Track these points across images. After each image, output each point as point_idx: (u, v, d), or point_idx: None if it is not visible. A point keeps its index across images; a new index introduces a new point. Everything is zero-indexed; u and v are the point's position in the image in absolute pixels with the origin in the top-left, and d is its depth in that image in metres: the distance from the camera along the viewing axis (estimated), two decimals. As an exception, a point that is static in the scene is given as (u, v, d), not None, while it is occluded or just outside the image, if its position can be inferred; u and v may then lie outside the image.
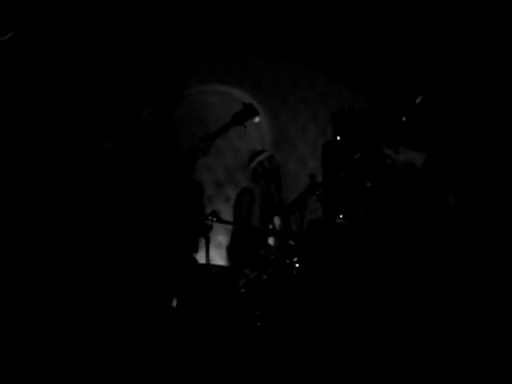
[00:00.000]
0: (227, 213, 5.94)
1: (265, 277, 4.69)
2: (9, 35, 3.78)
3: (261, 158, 5.55)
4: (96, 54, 4.98)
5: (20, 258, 3.89)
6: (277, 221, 5.46)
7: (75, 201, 4.13)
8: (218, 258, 5.88)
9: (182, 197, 3.97)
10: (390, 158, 4.31)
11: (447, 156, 4.28)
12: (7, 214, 3.92)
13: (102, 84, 4.93)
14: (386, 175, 4.48)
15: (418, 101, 5.00)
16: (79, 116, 4.64)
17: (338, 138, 5.91)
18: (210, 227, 4.57)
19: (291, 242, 5.17)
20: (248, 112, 4.15)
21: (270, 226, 5.40)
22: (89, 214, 3.93)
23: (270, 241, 5.42)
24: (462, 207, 4.05)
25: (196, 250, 4.41)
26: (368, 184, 4.73)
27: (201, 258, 4.70)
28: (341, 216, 4.91)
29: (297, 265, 4.76)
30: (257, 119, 4.20)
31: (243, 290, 4.66)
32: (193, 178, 4.18)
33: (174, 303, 4.28)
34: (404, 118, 4.72)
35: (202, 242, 4.64)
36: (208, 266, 4.62)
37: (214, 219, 4.54)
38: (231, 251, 5.39)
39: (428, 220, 4.09)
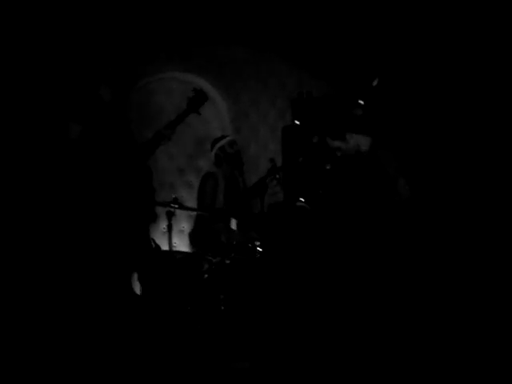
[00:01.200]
0: (190, 199, 5.97)
1: (228, 261, 4.75)
2: None
3: (222, 143, 5.59)
4: (54, 33, 4.92)
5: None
6: (239, 205, 5.51)
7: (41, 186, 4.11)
8: (181, 244, 5.92)
9: (131, 182, 3.95)
10: (339, 149, 4.35)
11: (395, 139, 4.35)
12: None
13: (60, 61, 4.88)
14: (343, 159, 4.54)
15: (374, 83, 5.08)
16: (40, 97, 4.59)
17: (297, 122, 5.97)
18: (172, 214, 4.60)
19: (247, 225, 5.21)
20: (200, 97, 4.18)
21: (233, 211, 5.45)
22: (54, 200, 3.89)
23: (233, 224, 5.46)
24: (412, 190, 4.13)
25: (147, 235, 4.39)
26: (327, 167, 4.78)
27: (164, 244, 4.74)
28: (301, 199, 4.97)
29: (259, 249, 4.83)
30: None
31: (207, 275, 4.71)
32: (144, 163, 4.17)
33: (138, 290, 4.30)
34: (361, 102, 4.79)
35: (165, 228, 4.68)
36: (171, 252, 4.66)
37: (176, 206, 4.57)
38: (194, 237, 5.42)
39: (382, 203, 4.16)
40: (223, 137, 5.76)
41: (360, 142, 4.28)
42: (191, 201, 5.84)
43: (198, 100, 4.20)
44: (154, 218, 4.39)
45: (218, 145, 5.58)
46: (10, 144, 4.31)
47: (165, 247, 4.66)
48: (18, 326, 3.84)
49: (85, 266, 3.72)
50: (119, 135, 3.96)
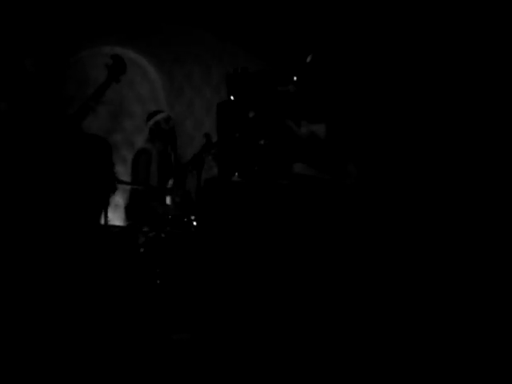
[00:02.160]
0: (124, 174, 5.94)
1: (163, 235, 4.78)
2: None
3: (157, 118, 5.60)
4: None
5: None
6: (171, 181, 5.52)
7: None
8: (116, 218, 5.89)
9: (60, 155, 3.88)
10: (291, 130, 4.42)
11: (347, 126, 4.44)
12: None
13: None
14: (280, 133, 4.60)
15: (308, 60, 5.14)
16: None
17: (232, 97, 5.98)
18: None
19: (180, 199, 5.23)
20: (118, 65, 4.13)
21: (168, 185, 5.46)
22: None
23: (168, 200, 5.48)
24: (361, 176, 4.23)
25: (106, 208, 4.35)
26: (261, 142, 4.84)
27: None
28: (236, 174, 5.01)
29: (194, 223, 4.87)
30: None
31: (142, 249, 4.73)
32: (97, 135, 4.12)
33: None
34: (295, 78, 4.85)
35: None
36: (107, 226, 4.65)
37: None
38: (129, 210, 5.42)
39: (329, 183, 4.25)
40: (158, 111, 5.76)
41: (315, 130, 4.36)
42: (126, 176, 5.81)
43: (117, 67, 4.14)
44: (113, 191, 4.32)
45: (153, 120, 5.59)
46: None
47: (100, 221, 4.65)
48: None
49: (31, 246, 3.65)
50: (45, 108, 3.89)
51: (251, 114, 4.70)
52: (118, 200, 5.99)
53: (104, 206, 4.28)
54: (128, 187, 5.48)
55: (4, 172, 3.55)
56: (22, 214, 3.62)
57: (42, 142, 3.70)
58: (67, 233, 3.76)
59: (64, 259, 3.75)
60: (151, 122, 5.59)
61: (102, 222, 4.61)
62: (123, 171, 6.03)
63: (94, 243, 4.13)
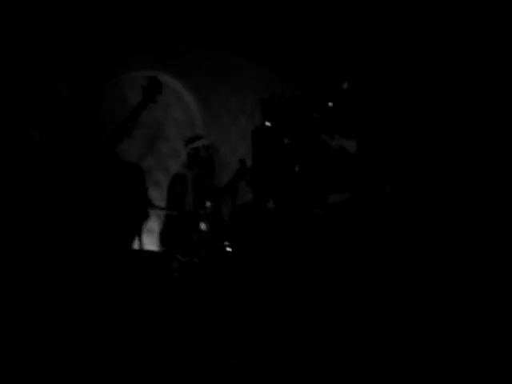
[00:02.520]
0: (158, 198, 5.96)
1: (196, 261, 4.77)
2: None
3: (197, 144, 5.58)
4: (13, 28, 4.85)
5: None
6: (209, 206, 5.51)
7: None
8: (150, 243, 5.91)
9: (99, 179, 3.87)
10: (324, 142, 4.42)
11: (380, 144, 4.41)
12: None
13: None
14: (316, 160, 4.59)
15: (344, 86, 5.13)
16: None
17: (268, 123, 5.99)
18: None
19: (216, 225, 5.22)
20: (154, 86, 4.13)
21: (202, 211, 5.45)
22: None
23: (202, 226, 5.47)
24: (397, 196, 4.20)
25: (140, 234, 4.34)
26: (296, 168, 4.82)
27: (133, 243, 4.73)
28: (271, 200, 5.00)
29: (228, 249, 4.85)
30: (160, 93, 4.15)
31: (176, 274, 4.73)
32: (130, 162, 4.12)
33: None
34: (330, 104, 4.84)
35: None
36: (141, 251, 4.66)
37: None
38: (163, 236, 5.42)
39: (365, 206, 4.22)
40: (198, 137, 5.75)
41: (345, 144, 4.34)
42: (160, 200, 5.83)
43: (153, 88, 4.15)
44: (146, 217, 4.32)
45: (193, 145, 5.57)
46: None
47: (135, 246, 4.67)
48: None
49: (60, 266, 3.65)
50: (80, 133, 3.89)
51: (286, 141, 4.69)
52: (152, 225, 6.01)
53: (137, 232, 4.28)
54: (162, 212, 5.49)
55: (39, 198, 3.57)
56: (58, 239, 3.64)
57: (75, 168, 3.71)
58: (101, 258, 3.76)
59: (98, 283, 3.76)
60: (190, 148, 5.58)
61: (137, 247, 4.64)
62: (157, 195, 6.06)
63: (127, 268, 4.14)
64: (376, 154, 4.34)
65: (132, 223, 4.11)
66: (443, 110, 5.19)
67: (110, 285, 3.98)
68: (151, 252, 5.10)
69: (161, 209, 5.32)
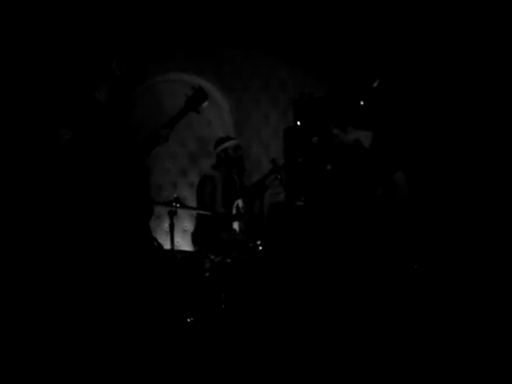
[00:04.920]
0: (192, 199, 6.02)
1: (229, 260, 4.80)
2: None
3: (226, 145, 5.60)
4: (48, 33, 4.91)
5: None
6: (240, 204, 5.54)
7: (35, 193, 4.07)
8: (184, 243, 5.97)
9: (128, 183, 3.86)
10: (337, 137, 4.41)
11: (395, 136, 4.39)
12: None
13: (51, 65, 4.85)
14: (343, 157, 4.58)
15: (375, 85, 5.12)
16: (30, 101, 4.53)
17: (298, 123, 6.00)
18: (174, 213, 4.65)
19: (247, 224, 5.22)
20: (199, 96, 4.11)
21: (233, 211, 5.48)
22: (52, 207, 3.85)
23: (234, 225, 5.51)
24: (412, 187, 4.17)
25: (149, 233, 4.35)
26: (328, 167, 4.82)
27: (166, 243, 4.80)
28: (302, 199, 5.01)
29: (260, 248, 4.88)
30: (205, 104, 4.13)
31: (208, 274, 4.77)
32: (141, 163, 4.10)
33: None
34: (362, 102, 4.84)
35: (167, 228, 4.74)
36: (173, 251, 4.71)
37: (178, 205, 4.63)
38: (196, 236, 5.47)
39: (382, 199, 4.20)
40: (228, 138, 5.78)
41: (360, 137, 4.32)
42: (194, 201, 5.89)
43: (197, 98, 4.12)
44: (150, 215, 4.31)
45: (222, 146, 5.59)
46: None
47: (168, 246, 4.73)
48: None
49: (84, 268, 3.68)
50: (114, 137, 3.89)
51: (314, 140, 4.70)
52: (186, 225, 6.08)
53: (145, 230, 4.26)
54: (195, 213, 5.54)
55: (71, 199, 3.61)
56: (80, 238, 3.66)
57: (108, 170, 3.74)
58: (129, 255, 3.78)
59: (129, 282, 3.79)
60: (219, 149, 5.61)
61: (169, 246, 4.70)
62: (190, 196, 6.12)
63: (159, 268, 4.18)
64: (391, 145, 4.31)
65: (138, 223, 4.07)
66: (463, 108, 5.17)
67: (143, 284, 4.02)
68: (184, 252, 5.16)
69: (192, 209, 5.37)
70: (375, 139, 4.28)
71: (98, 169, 3.65)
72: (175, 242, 4.79)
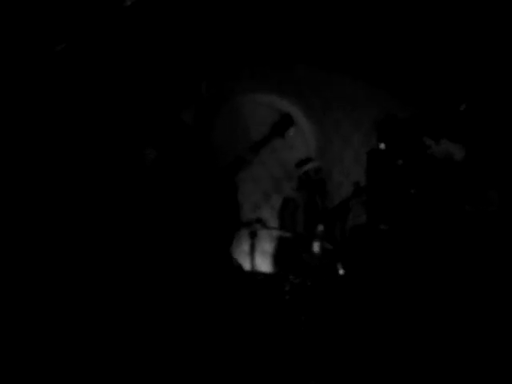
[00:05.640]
0: (274, 221, 6.01)
1: (309, 283, 4.75)
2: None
3: (307, 167, 5.59)
4: (133, 54, 5.01)
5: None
6: (320, 228, 5.49)
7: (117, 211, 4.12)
8: (264, 265, 5.95)
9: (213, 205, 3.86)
10: (430, 148, 4.31)
11: (489, 150, 4.26)
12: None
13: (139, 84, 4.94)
14: (430, 180, 4.48)
15: (462, 108, 5.00)
16: (118, 120, 4.62)
17: (382, 145, 5.92)
18: (255, 234, 4.66)
19: (329, 246, 5.16)
20: (286, 122, 4.12)
21: (314, 233, 5.44)
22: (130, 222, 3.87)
23: (316, 248, 5.46)
24: (504, 203, 4.03)
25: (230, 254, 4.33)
26: (412, 191, 4.73)
27: (246, 265, 4.79)
28: (384, 222, 4.93)
29: (341, 271, 4.81)
30: (291, 131, 4.13)
31: (288, 297, 4.73)
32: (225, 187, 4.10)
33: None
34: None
35: (247, 249, 4.75)
36: (253, 273, 4.70)
37: (259, 226, 4.63)
38: (276, 258, 5.45)
39: (471, 216, 4.08)
40: (308, 160, 5.76)
41: (452, 150, 4.21)
42: (275, 223, 5.88)
43: (283, 124, 4.14)
44: (235, 236, 4.31)
45: (304, 168, 5.58)
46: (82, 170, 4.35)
47: (247, 267, 4.72)
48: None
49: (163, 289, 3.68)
50: (199, 160, 3.92)
51: (399, 162, 4.61)
52: (265, 246, 6.06)
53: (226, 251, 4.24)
54: (275, 234, 5.53)
55: (156, 218, 3.64)
56: (166, 263, 3.66)
57: (193, 190, 3.76)
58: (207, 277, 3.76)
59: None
60: (301, 170, 5.59)
61: (249, 268, 4.70)
62: (271, 218, 6.11)
63: (238, 289, 4.16)
64: (487, 160, 4.17)
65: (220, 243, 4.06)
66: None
67: (219, 305, 4.00)
68: (264, 274, 5.14)
69: (274, 229, 5.36)
70: (469, 153, 4.17)
71: (183, 189, 3.69)
72: (255, 264, 4.79)
